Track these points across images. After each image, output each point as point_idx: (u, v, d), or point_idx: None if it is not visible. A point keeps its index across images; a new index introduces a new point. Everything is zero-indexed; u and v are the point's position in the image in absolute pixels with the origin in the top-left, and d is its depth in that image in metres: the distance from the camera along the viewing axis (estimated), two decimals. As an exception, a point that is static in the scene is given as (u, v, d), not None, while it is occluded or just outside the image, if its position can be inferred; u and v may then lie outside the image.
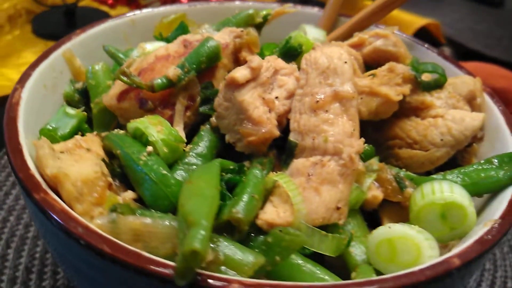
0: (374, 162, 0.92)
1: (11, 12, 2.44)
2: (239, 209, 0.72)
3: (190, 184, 0.69)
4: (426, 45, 1.25)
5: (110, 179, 0.78)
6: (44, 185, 0.70)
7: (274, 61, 0.91)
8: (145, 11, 1.28)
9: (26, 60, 2.16)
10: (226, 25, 1.05)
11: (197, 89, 0.91)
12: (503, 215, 0.75)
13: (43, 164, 0.72)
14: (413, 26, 2.51)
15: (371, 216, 0.93)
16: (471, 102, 1.00)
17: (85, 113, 0.96)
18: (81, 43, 1.14)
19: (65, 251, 0.69)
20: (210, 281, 0.58)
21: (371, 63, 1.03)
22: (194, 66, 0.90)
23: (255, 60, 0.86)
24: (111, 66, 1.13)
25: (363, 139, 0.84)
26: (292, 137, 0.85)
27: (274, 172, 0.84)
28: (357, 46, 1.03)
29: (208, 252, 0.56)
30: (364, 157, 0.90)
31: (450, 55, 1.80)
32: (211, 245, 0.67)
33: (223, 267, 0.66)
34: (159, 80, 0.88)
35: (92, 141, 0.85)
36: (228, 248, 0.68)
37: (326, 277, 0.74)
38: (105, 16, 2.41)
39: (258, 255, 0.68)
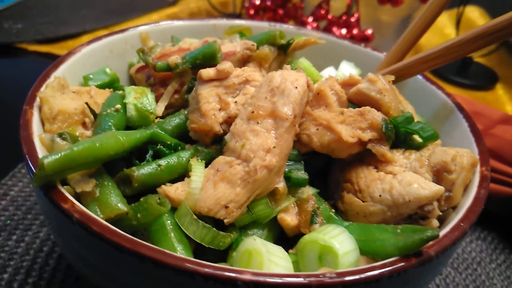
0: (306, 192, 0.94)
1: (194, 10, 3.01)
2: (138, 169, 0.87)
3: (107, 132, 0.87)
4: (464, 113, 1.14)
5: (87, 119, 1.02)
6: (35, 103, 0.98)
7: (249, 73, 1.01)
8: (226, 20, 1.51)
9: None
10: (249, 39, 1.19)
11: (189, 79, 1.09)
12: (342, 273, 0.70)
13: (43, 89, 1.00)
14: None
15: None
16: (441, 174, 0.90)
17: (118, 76, 1.23)
18: (160, 31, 1.43)
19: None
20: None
21: (356, 103, 1.03)
22: (191, 60, 1.07)
23: (224, 64, 0.98)
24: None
25: (278, 159, 0.87)
26: (226, 136, 0.94)
27: (200, 160, 0.95)
28: (349, 85, 1.03)
29: (51, 169, 0.73)
30: (293, 181, 0.92)
31: None
32: (97, 182, 0.84)
33: (94, 202, 0.82)
34: (161, 63, 1.08)
35: (101, 94, 1.11)
36: (108, 191, 0.84)
37: (183, 251, 0.82)
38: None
39: (125, 206, 0.82)
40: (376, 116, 0.94)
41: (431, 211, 0.87)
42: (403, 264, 0.72)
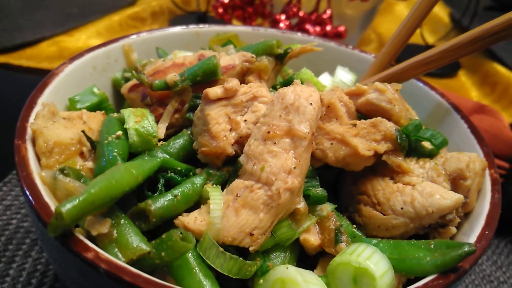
0: (325, 209, 0.92)
1: (156, 9, 2.90)
2: (154, 202, 0.82)
3: (114, 166, 0.81)
4: (461, 114, 1.16)
5: (84, 149, 0.94)
6: (27, 136, 0.90)
7: (255, 88, 0.98)
8: (208, 26, 1.45)
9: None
10: (246, 50, 1.14)
11: (189, 97, 1.03)
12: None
13: (34, 120, 0.92)
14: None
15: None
16: (457, 181, 0.91)
17: (107, 95, 1.15)
18: (143, 42, 1.35)
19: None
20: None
21: (364, 114, 1.02)
22: (191, 76, 1.02)
23: (230, 82, 0.94)
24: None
25: (300, 180, 0.85)
26: (241, 158, 0.90)
27: (215, 185, 0.91)
28: (355, 95, 1.02)
29: (71, 218, 0.67)
30: (312, 199, 0.90)
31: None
32: (113, 222, 0.78)
33: (113, 244, 0.76)
34: (158, 82, 1.02)
35: (94, 117, 1.03)
36: (126, 230, 0.78)
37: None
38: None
39: (146, 245, 0.77)
40: (389, 126, 0.93)
41: (452, 220, 0.88)
42: (442, 281, 0.72)
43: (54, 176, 0.83)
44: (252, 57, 1.08)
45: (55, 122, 0.95)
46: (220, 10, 2.36)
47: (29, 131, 0.91)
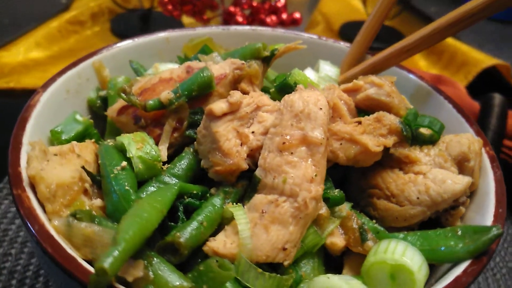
0: (344, 209, 0.93)
1: (95, 10, 2.72)
2: (182, 234, 0.78)
3: (136, 203, 0.76)
4: (444, 95, 1.21)
5: (87, 185, 0.88)
6: (25, 183, 0.82)
7: (257, 98, 0.95)
8: (179, 31, 1.39)
9: (97, 57, 2.37)
10: (232, 56, 1.11)
11: (186, 114, 0.99)
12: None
13: (28, 164, 0.83)
14: (481, 65, 2.40)
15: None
16: (462, 164, 0.96)
17: (91, 121, 1.08)
18: (113, 56, 1.27)
19: (29, 240, 0.80)
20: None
21: (364, 109, 1.03)
22: (186, 92, 0.97)
23: (234, 95, 0.91)
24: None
25: (322, 186, 0.85)
26: (257, 172, 0.88)
27: (235, 204, 0.88)
28: (352, 91, 1.03)
29: (115, 271, 0.63)
30: (332, 202, 0.91)
31: (501, 103, 1.68)
32: (145, 262, 0.74)
33: (151, 286, 0.72)
34: (152, 102, 0.97)
35: (86, 147, 0.96)
36: (160, 268, 0.74)
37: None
38: (177, 23, 2.60)
39: (186, 281, 0.74)
40: (393, 119, 0.95)
41: (464, 202, 0.93)
42: (477, 266, 0.76)
43: (67, 223, 0.77)
44: (243, 63, 1.05)
45: (49, 161, 0.87)
46: (170, 6, 2.26)
47: (25, 177, 0.83)
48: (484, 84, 2.35)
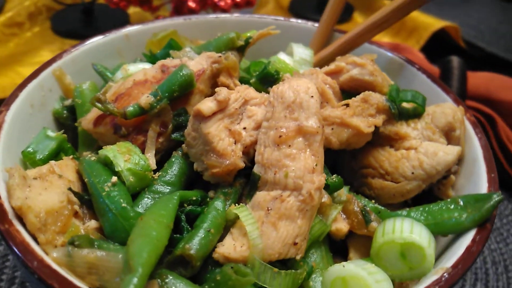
0: (343, 193, 0.93)
1: (31, 9, 2.52)
2: (192, 245, 0.75)
3: (141, 222, 0.72)
4: (416, 66, 1.22)
5: (76, 207, 0.82)
6: (10, 215, 0.75)
7: (244, 91, 0.92)
8: (138, 26, 1.31)
9: (42, 59, 2.20)
10: (206, 49, 1.06)
11: (170, 116, 0.94)
12: (456, 264, 0.74)
13: (10, 195, 0.76)
14: (430, 29, 2.46)
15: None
16: (449, 134, 0.98)
17: (65, 135, 1.00)
18: (73, 60, 1.17)
19: (27, 278, 0.74)
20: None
21: (348, 90, 1.02)
22: (167, 94, 0.92)
23: (222, 92, 0.87)
24: (101, 83, 1.17)
25: (324, 175, 0.84)
26: (256, 169, 0.86)
27: (236, 204, 0.86)
28: (334, 74, 1.02)
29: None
30: (332, 188, 0.90)
31: (460, 65, 1.74)
32: (159, 281, 0.70)
33: (169, 304, 0.69)
34: (131, 108, 0.91)
35: (66, 166, 0.89)
36: (176, 285, 0.71)
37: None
38: (122, 14, 2.46)
39: (205, 294, 0.71)
40: (379, 98, 0.96)
41: (456, 170, 0.95)
42: (483, 233, 0.79)
43: (67, 253, 0.71)
44: (220, 56, 1.00)
45: (32, 188, 0.80)
46: (115, -1, 2.14)
47: (8, 209, 0.76)
48: (434, 47, 2.42)
